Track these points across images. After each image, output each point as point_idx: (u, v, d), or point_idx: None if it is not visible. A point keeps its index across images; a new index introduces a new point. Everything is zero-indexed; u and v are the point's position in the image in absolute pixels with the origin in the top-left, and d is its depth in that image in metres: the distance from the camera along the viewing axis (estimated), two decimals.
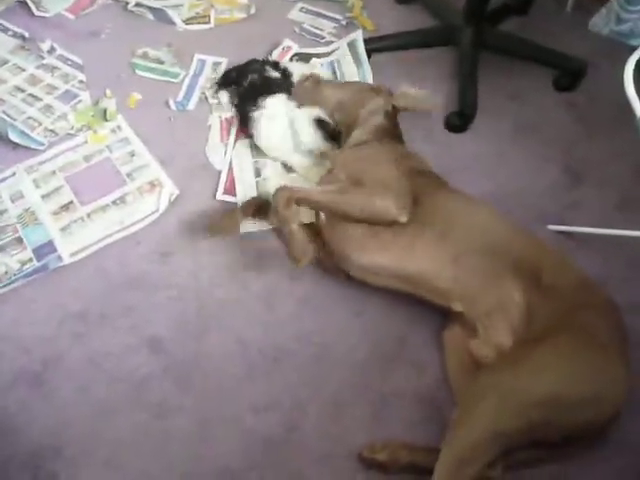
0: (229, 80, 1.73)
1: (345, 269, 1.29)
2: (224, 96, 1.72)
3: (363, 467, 1.12)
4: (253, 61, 1.73)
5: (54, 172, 1.57)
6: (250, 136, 1.60)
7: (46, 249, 1.43)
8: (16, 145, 1.64)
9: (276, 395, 1.22)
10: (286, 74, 1.68)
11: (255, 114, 1.57)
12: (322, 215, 1.31)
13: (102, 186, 1.53)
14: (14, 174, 1.58)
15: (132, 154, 1.59)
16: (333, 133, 1.51)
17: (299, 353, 1.27)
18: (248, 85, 1.65)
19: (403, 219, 1.17)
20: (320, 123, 1.51)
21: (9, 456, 1.16)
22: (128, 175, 1.54)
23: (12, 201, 1.53)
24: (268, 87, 1.62)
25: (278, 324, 1.31)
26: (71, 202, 1.51)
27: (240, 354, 1.27)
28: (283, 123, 1.55)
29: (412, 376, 1.24)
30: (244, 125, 1.62)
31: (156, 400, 1.22)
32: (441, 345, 1.25)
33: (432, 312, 1.29)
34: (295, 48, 1.86)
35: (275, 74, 1.66)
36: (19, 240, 1.45)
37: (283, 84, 1.64)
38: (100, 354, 1.28)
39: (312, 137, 1.52)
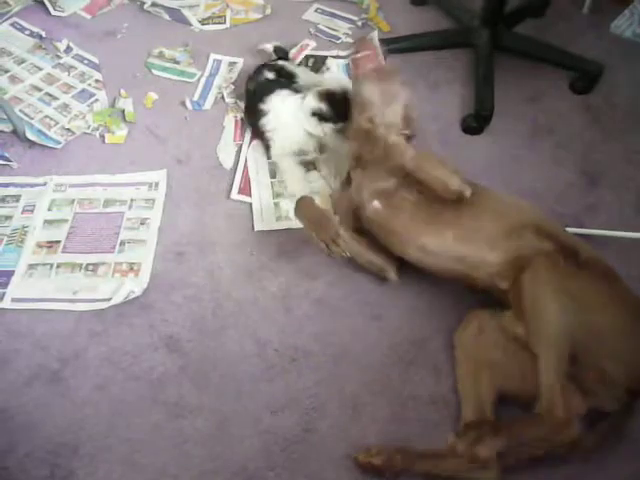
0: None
1: (403, 255, 1.29)
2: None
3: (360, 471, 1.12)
4: (258, 67, 1.70)
5: (72, 202, 1.53)
6: (267, 146, 1.58)
7: (2, 278, 1.39)
8: (33, 144, 1.65)
9: (294, 395, 1.22)
10: (281, 74, 1.66)
11: (262, 120, 1.55)
12: (375, 204, 1.30)
13: (92, 242, 1.46)
14: (45, 184, 1.57)
15: (143, 222, 1.48)
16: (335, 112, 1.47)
17: (316, 354, 1.27)
18: (250, 91, 1.64)
19: (468, 193, 1.23)
20: (320, 115, 1.48)
21: (27, 453, 1.16)
22: (121, 244, 1.44)
23: (22, 212, 1.52)
24: (268, 89, 1.58)
25: (295, 324, 1.31)
26: (58, 242, 1.45)
27: (257, 354, 1.27)
28: (291, 121, 1.52)
29: (430, 379, 1.23)
30: (257, 136, 1.62)
31: (173, 399, 1.22)
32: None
33: (450, 317, 1.29)
34: (312, 45, 1.87)
35: (270, 75, 1.64)
36: None
37: (281, 84, 1.61)
38: (117, 352, 1.29)
39: (315, 127, 1.49)
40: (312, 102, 1.48)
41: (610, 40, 1.77)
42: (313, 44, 1.87)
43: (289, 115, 1.52)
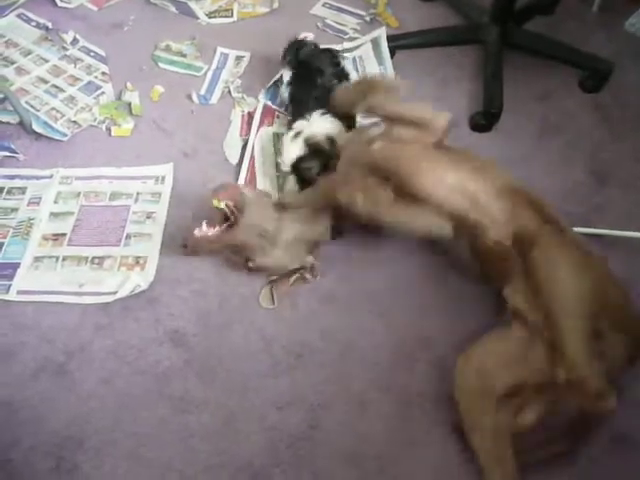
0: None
1: (412, 185, 1.23)
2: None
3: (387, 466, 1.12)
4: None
5: (78, 194, 1.53)
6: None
7: (8, 270, 1.39)
8: (39, 136, 1.64)
9: (300, 392, 1.21)
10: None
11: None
12: (377, 144, 1.30)
13: (98, 235, 1.45)
14: (51, 177, 1.57)
15: (149, 216, 1.48)
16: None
17: (323, 350, 1.26)
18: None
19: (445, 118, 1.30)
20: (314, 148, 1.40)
21: (32, 446, 1.16)
22: (127, 237, 1.44)
23: (28, 204, 1.52)
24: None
25: (301, 321, 1.31)
26: (64, 235, 1.45)
27: (263, 350, 1.27)
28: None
29: (436, 377, 1.23)
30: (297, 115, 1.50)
31: (179, 393, 1.22)
32: (463, 347, 1.24)
33: (457, 315, 1.29)
34: (310, 37, 1.84)
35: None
36: None
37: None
38: (123, 346, 1.28)
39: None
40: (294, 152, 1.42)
41: (620, 39, 1.76)
42: (311, 35, 1.85)
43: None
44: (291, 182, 1.47)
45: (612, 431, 1.15)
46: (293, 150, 1.41)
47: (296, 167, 1.41)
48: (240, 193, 1.30)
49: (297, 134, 1.42)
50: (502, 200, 1.19)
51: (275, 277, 1.36)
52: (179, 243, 1.39)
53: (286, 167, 1.43)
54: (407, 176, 1.23)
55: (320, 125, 1.43)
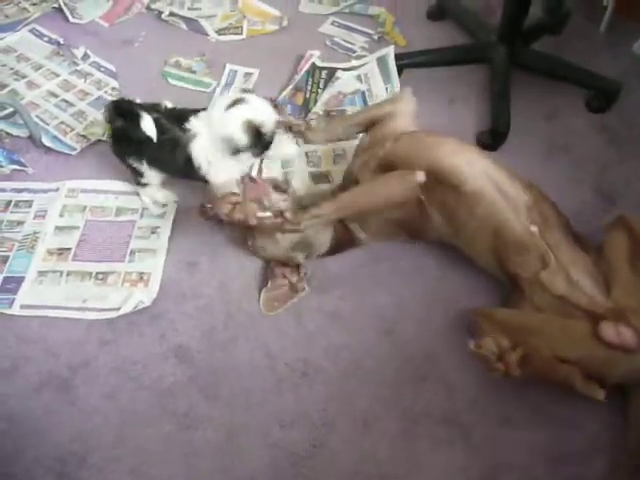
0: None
1: (443, 164, 1.27)
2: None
3: None
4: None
5: (84, 208, 1.53)
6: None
7: (12, 284, 1.39)
8: (48, 149, 1.65)
9: (303, 410, 1.21)
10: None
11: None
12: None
13: (103, 250, 1.45)
14: (57, 190, 1.57)
15: (154, 231, 1.48)
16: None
17: (328, 368, 1.26)
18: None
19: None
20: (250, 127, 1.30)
21: (34, 459, 1.16)
22: (132, 253, 1.44)
23: (34, 217, 1.52)
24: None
25: (306, 338, 1.30)
26: (69, 249, 1.45)
27: (268, 367, 1.26)
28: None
29: (442, 396, 1.22)
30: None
31: (182, 410, 1.21)
32: (471, 365, 1.24)
33: (465, 332, 1.28)
34: (317, 54, 1.87)
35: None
36: (4, 260, 1.44)
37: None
38: (127, 362, 1.28)
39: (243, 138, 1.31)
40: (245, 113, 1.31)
41: (627, 59, 1.76)
42: (317, 53, 1.87)
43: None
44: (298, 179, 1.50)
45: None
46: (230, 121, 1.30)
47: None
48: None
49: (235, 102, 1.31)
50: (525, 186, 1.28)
51: (268, 285, 1.37)
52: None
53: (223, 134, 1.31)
54: (425, 156, 1.28)
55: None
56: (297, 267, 1.38)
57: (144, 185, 1.49)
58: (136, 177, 1.48)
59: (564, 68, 1.76)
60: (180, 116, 1.38)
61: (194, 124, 1.35)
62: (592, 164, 1.61)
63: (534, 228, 1.22)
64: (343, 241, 1.39)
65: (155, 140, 1.34)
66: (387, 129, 1.39)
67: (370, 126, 1.43)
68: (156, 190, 1.50)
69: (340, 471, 1.14)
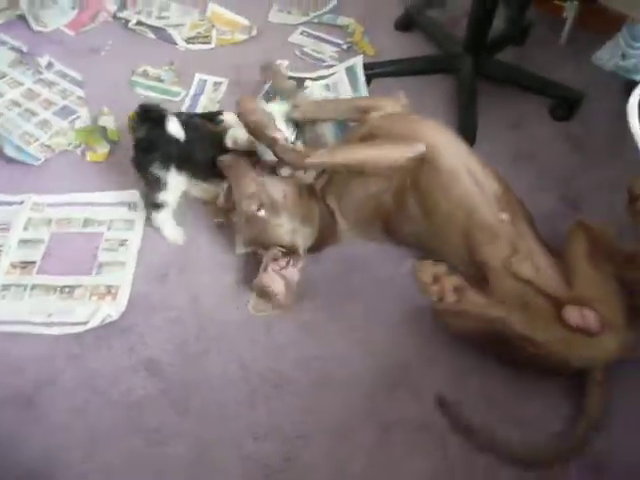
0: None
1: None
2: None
3: None
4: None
5: (50, 221, 1.49)
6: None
7: None
8: (10, 160, 1.61)
9: (277, 421, 1.19)
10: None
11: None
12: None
13: (70, 263, 1.42)
14: (21, 203, 1.53)
15: (123, 244, 1.45)
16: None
17: (300, 379, 1.25)
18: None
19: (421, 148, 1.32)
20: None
21: None
22: (99, 266, 1.41)
23: None
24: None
25: (279, 349, 1.29)
26: (33, 263, 1.41)
27: (240, 379, 1.25)
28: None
29: (414, 403, 1.22)
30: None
31: (153, 424, 1.19)
32: (444, 373, 1.25)
33: (436, 340, 1.29)
34: (285, 64, 1.87)
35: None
36: None
37: None
38: (95, 376, 1.25)
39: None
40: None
41: (588, 69, 1.81)
42: (286, 62, 1.87)
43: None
44: None
45: (588, 459, 1.15)
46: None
47: None
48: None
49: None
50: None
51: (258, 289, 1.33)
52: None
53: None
54: (407, 130, 1.33)
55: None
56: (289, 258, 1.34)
57: (159, 207, 1.43)
58: (153, 195, 1.42)
59: (528, 78, 1.80)
60: (207, 117, 1.46)
61: (226, 117, 1.40)
62: (557, 171, 1.65)
63: (504, 216, 1.25)
64: (327, 232, 1.39)
65: (184, 140, 1.37)
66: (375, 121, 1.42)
67: (361, 114, 1.45)
68: (168, 218, 1.45)
69: None
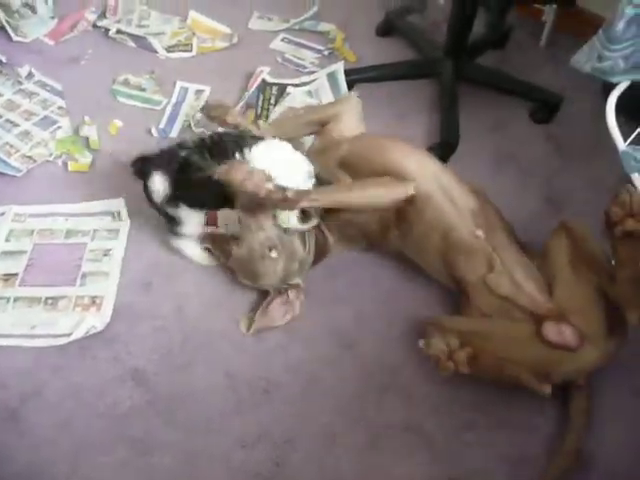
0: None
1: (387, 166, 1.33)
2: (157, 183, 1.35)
3: None
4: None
5: (32, 232, 1.47)
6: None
7: None
8: None
9: (265, 429, 1.19)
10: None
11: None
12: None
13: (52, 274, 1.40)
14: (3, 214, 1.51)
15: (107, 253, 1.43)
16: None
17: (288, 385, 1.25)
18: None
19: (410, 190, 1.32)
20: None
21: None
22: (83, 276, 1.39)
23: None
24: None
25: (266, 355, 1.29)
26: (15, 275, 1.39)
27: (228, 386, 1.24)
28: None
29: (403, 407, 1.22)
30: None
31: (140, 435, 1.18)
32: (431, 375, 1.25)
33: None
34: (267, 70, 1.87)
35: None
36: None
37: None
38: (80, 388, 1.24)
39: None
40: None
41: (566, 72, 1.82)
42: (267, 69, 1.87)
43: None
44: None
45: None
46: None
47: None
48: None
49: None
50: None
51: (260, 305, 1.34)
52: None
53: None
54: (380, 156, 1.34)
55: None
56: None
57: (181, 236, 1.41)
58: (174, 227, 1.40)
59: (508, 81, 1.82)
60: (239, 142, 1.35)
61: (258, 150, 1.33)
62: (538, 172, 1.66)
63: (479, 232, 1.26)
64: (322, 248, 1.39)
65: (187, 179, 1.31)
66: (336, 131, 1.45)
67: (319, 127, 1.48)
68: (188, 243, 1.42)
69: None
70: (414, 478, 1.14)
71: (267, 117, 1.75)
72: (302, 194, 1.24)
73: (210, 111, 1.54)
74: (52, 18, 2.04)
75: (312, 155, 1.43)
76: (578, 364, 1.14)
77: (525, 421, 1.21)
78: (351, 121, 1.47)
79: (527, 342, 1.15)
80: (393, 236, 1.35)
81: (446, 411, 1.22)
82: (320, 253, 1.39)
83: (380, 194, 1.31)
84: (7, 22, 1.99)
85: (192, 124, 1.72)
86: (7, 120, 1.74)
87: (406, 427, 1.20)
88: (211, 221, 1.39)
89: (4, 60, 1.89)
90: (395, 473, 1.14)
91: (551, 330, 1.13)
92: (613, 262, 1.14)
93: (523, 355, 1.14)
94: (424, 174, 1.31)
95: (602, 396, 1.21)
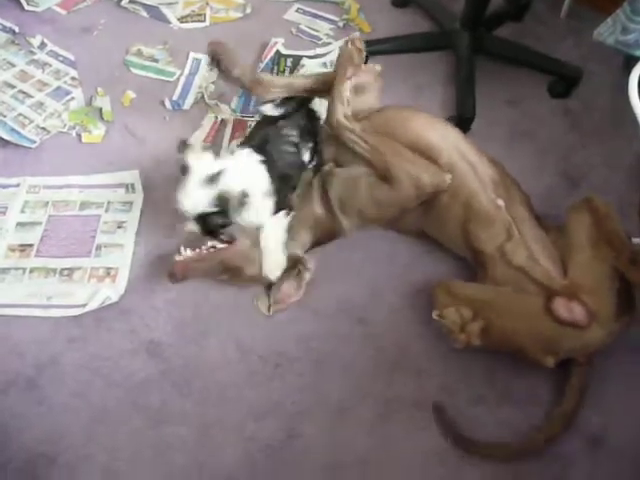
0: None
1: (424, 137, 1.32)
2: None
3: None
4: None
5: (46, 204, 1.48)
6: None
7: None
8: (6, 143, 1.60)
9: (277, 401, 1.20)
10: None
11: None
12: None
13: (68, 246, 1.40)
14: (18, 185, 1.52)
15: (120, 225, 1.44)
16: None
17: (300, 358, 1.26)
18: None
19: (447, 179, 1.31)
20: None
21: (3, 463, 1.13)
22: (98, 248, 1.40)
23: None
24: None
25: (278, 329, 1.30)
26: (31, 246, 1.40)
27: (240, 359, 1.26)
28: None
29: (413, 382, 1.23)
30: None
31: (155, 405, 1.20)
32: (441, 351, 1.26)
33: (433, 323, 1.29)
34: (280, 43, 1.85)
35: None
36: None
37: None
38: (96, 358, 1.26)
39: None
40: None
41: (587, 45, 1.78)
42: (281, 40, 1.85)
43: None
44: None
45: (585, 433, 1.17)
46: (200, 200, 1.23)
47: (201, 218, 1.25)
48: None
49: (212, 179, 1.24)
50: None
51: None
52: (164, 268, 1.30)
53: (186, 211, 1.25)
54: (402, 128, 1.32)
55: (242, 173, 1.28)
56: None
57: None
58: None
59: (526, 54, 1.78)
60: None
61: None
62: (556, 148, 1.64)
63: (500, 202, 1.26)
64: (324, 238, 1.37)
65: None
66: (357, 105, 1.39)
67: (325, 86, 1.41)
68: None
69: (317, 461, 1.14)
70: (424, 451, 1.16)
71: None
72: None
73: (219, 54, 1.47)
74: None
75: (327, 139, 1.41)
76: (583, 342, 1.14)
77: (530, 394, 1.22)
78: (372, 95, 1.45)
79: (536, 316, 1.16)
80: (412, 213, 1.33)
81: (455, 387, 1.23)
82: (329, 235, 1.38)
83: (422, 172, 1.27)
84: None
85: (205, 96, 1.71)
86: (20, 91, 1.73)
87: (416, 402, 1.21)
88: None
89: (17, 30, 1.88)
90: (405, 446, 1.16)
91: (561, 306, 1.13)
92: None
93: (531, 328, 1.16)
94: (446, 144, 1.30)
95: (613, 376, 1.21)
